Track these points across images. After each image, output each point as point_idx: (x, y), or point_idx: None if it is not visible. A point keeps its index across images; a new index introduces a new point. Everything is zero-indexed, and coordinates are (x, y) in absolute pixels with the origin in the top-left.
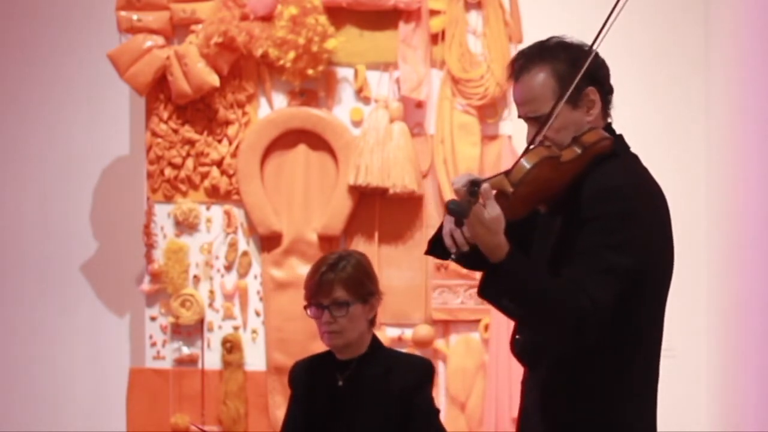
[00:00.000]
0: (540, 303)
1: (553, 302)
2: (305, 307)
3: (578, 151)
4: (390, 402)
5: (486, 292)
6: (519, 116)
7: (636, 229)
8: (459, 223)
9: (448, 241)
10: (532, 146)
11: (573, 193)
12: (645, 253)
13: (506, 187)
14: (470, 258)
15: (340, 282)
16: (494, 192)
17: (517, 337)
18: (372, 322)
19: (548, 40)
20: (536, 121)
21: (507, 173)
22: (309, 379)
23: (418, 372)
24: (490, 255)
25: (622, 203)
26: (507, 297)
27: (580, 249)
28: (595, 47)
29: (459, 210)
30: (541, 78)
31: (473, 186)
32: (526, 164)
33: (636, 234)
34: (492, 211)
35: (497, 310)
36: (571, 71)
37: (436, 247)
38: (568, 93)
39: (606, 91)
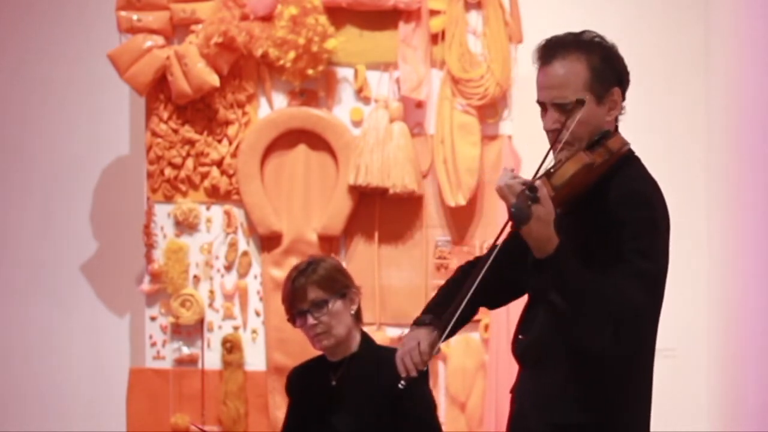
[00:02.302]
0: (587, 299)
1: (599, 299)
2: (289, 320)
3: (606, 156)
4: (380, 399)
5: (534, 285)
6: (539, 100)
7: (658, 235)
8: (519, 227)
9: (400, 365)
10: (563, 136)
11: (594, 195)
12: (663, 259)
13: (549, 190)
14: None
15: (313, 283)
16: None
17: (519, 337)
18: (357, 318)
19: (582, 33)
20: (559, 109)
21: (548, 176)
22: (304, 383)
23: None
24: (541, 248)
25: (650, 210)
26: (554, 290)
27: (611, 253)
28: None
29: (521, 215)
30: (576, 67)
31: (532, 191)
32: (570, 169)
33: (658, 240)
34: (547, 205)
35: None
36: (605, 67)
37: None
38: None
39: (624, 98)
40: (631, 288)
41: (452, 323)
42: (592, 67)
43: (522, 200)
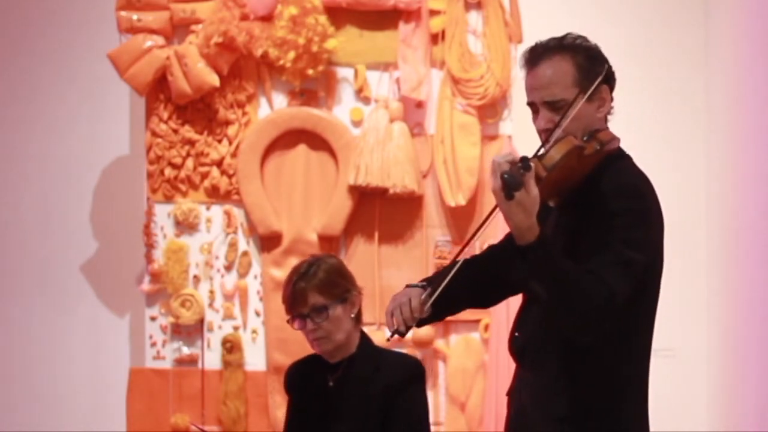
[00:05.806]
0: (566, 288)
1: (577, 288)
2: (288, 321)
3: (597, 147)
4: (375, 400)
5: (515, 274)
6: (529, 102)
7: (649, 227)
8: (510, 196)
9: (388, 320)
10: (556, 133)
11: (585, 189)
12: (653, 251)
13: (540, 170)
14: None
15: (314, 288)
16: None
17: (516, 334)
18: (358, 320)
19: (565, 36)
20: (550, 107)
21: (539, 158)
22: (302, 382)
23: (404, 371)
24: (521, 236)
25: (640, 202)
26: (535, 279)
27: (599, 242)
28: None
29: (514, 181)
30: (563, 65)
31: (526, 160)
32: (560, 150)
33: (648, 232)
34: (532, 191)
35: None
36: (591, 65)
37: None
38: (598, 81)
39: (612, 97)
40: (612, 276)
41: (444, 284)
42: (578, 65)
43: (514, 169)
